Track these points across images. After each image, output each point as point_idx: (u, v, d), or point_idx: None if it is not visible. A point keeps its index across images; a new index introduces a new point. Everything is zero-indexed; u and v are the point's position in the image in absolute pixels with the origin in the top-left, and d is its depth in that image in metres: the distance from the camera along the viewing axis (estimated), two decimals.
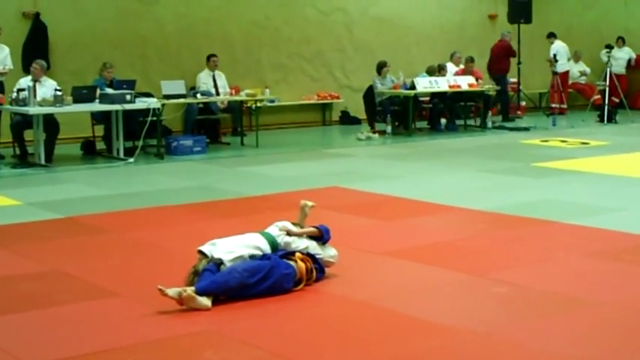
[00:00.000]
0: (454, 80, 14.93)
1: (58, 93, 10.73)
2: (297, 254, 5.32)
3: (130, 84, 11.77)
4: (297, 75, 15.77)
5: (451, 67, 15.95)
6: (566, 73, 18.23)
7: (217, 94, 13.33)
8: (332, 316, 4.91)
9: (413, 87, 14.22)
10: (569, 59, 18.53)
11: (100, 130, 12.09)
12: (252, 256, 5.23)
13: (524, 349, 4.31)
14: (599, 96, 17.32)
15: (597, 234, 6.84)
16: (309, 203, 5.78)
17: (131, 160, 11.21)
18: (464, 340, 4.45)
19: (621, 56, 19.12)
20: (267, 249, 5.31)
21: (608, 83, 16.62)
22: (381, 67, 14.64)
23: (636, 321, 4.77)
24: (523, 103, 17.89)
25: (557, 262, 6.01)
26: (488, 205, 7.97)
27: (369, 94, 14.71)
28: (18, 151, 11.29)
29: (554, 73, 17.25)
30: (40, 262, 6.05)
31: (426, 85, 14.44)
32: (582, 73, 19.19)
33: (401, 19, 16.99)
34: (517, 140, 13.55)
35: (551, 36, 18.02)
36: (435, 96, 14.93)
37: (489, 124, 15.29)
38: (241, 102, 13.48)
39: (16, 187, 9.34)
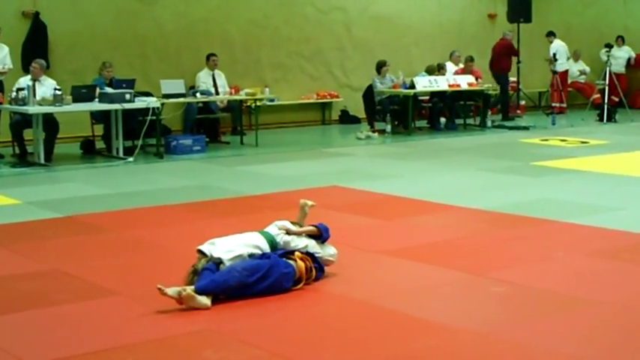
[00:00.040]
0: (453, 79, 14.93)
1: (58, 92, 10.73)
2: (297, 253, 5.32)
3: (130, 83, 11.77)
4: (296, 74, 15.77)
5: (450, 66, 15.96)
6: (566, 72, 18.25)
7: (217, 93, 13.33)
8: (331, 315, 4.92)
9: (412, 86, 14.23)
10: (568, 58, 18.54)
11: (99, 129, 12.08)
12: (251, 255, 5.23)
13: (523, 348, 4.31)
14: (598, 95, 17.34)
15: (597, 233, 6.84)
16: (309, 202, 5.78)
17: (130, 159, 11.21)
18: (463, 339, 4.45)
19: (621, 55, 19.12)
20: (267, 248, 5.31)
21: (607, 82, 16.63)
22: (380, 67, 14.64)
23: (636, 320, 4.77)
24: (523, 102, 17.89)
25: (557, 261, 6.01)
26: (488, 204, 7.97)
27: (369, 93, 14.71)
28: (17, 151, 11.29)
29: (554, 72, 17.25)
30: (39, 262, 6.05)
31: (425, 84, 14.45)
32: (582, 72, 19.20)
33: (400, 18, 16.99)
34: (517, 139, 13.55)
35: (551, 35, 18.03)
36: (434, 95, 14.93)
37: (489, 123, 15.30)
38: (241, 101, 13.48)
39: (15, 187, 9.34)
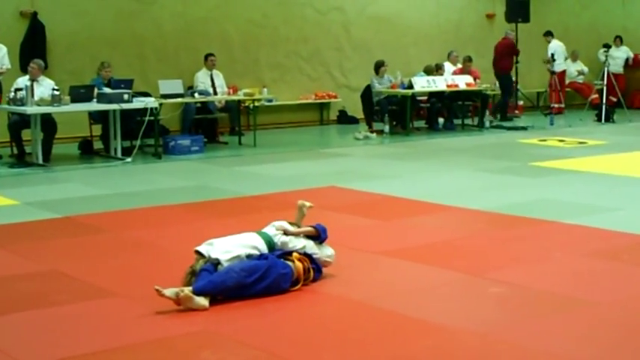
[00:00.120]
0: (452, 79, 14.94)
1: (56, 92, 10.72)
2: (295, 254, 5.32)
3: (128, 83, 11.76)
4: (294, 74, 15.77)
5: (448, 67, 15.96)
6: (563, 72, 18.27)
7: (215, 93, 13.33)
8: (329, 316, 4.91)
9: (410, 86, 14.22)
10: (566, 58, 18.56)
11: (97, 129, 12.07)
12: (249, 256, 5.23)
13: (521, 348, 4.31)
14: (596, 95, 17.34)
15: (595, 233, 6.84)
16: (307, 203, 5.78)
17: (129, 159, 11.20)
18: (461, 339, 4.45)
19: (619, 55, 19.13)
20: (265, 249, 5.31)
21: (605, 82, 16.64)
22: (378, 67, 14.65)
23: (634, 321, 4.78)
24: (521, 103, 17.89)
25: (555, 261, 6.01)
26: (486, 205, 7.97)
27: (367, 94, 14.71)
28: (15, 151, 11.28)
29: (552, 73, 17.26)
30: (37, 262, 6.04)
31: (423, 84, 14.45)
32: (580, 73, 19.20)
33: (398, 19, 17.00)
34: (515, 140, 13.56)
35: (548, 34, 18.05)
36: (432, 95, 14.93)
37: (487, 124, 15.30)
38: (239, 101, 13.48)
39: (13, 187, 9.33)
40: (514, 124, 15.55)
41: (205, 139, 12.62)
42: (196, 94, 12.64)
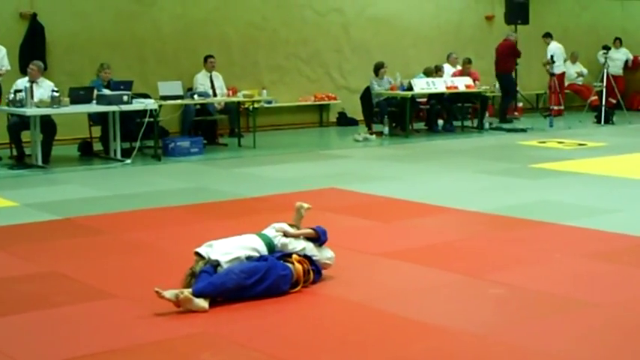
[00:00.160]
0: (451, 81, 14.94)
1: (55, 94, 10.72)
2: (294, 256, 5.32)
3: (127, 85, 11.76)
4: (294, 76, 15.77)
5: (448, 68, 15.96)
6: (563, 74, 18.28)
7: (214, 95, 13.33)
8: (329, 317, 4.91)
9: (410, 88, 14.22)
10: (565, 60, 18.57)
11: (97, 131, 12.06)
12: (249, 258, 5.23)
13: (520, 350, 4.31)
14: (596, 97, 17.35)
15: (594, 235, 6.85)
16: (305, 205, 5.78)
17: (128, 161, 11.20)
18: (461, 341, 4.45)
19: (618, 57, 19.14)
20: (264, 250, 5.31)
21: (605, 84, 16.66)
22: (378, 68, 14.65)
23: (633, 322, 4.78)
24: (520, 104, 17.90)
25: (554, 263, 6.01)
26: (486, 207, 7.98)
27: (367, 95, 14.71)
28: (15, 152, 11.28)
29: (551, 75, 17.27)
30: (37, 264, 6.04)
31: (423, 86, 14.45)
32: (579, 74, 19.21)
33: (398, 20, 17.00)
34: (514, 141, 13.56)
35: (547, 36, 18.06)
36: (432, 97, 14.94)
37: (486, 125, 15.31)
38: (238, 103, 13.47)
39: (13, 189, 9.33)
40: (513, 126, 15.55)
41: (205, 141, 12.61)
42: (196, 96, 12.64)
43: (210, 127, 13.46)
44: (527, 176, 9.91)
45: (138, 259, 6.21)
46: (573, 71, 19.09)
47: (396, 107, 14.55)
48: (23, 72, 11.81)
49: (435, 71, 15.39)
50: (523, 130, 14.99)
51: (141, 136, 11.41)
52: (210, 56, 13.65)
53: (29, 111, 10.61)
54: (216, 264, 5.12)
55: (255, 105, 13.61)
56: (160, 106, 11.78)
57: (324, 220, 6.02)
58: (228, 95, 13.40)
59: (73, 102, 10.96)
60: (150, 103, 11.52)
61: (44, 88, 11.14)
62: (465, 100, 15.35)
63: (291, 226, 5.56)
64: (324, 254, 5.53)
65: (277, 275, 5.12)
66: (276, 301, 5.05)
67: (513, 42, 16.75)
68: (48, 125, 10.99)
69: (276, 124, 15.32)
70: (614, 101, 17.19)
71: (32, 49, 12.66)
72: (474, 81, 15.19)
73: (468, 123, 15.73)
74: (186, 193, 9.02)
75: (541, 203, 8.26)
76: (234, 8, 14.91)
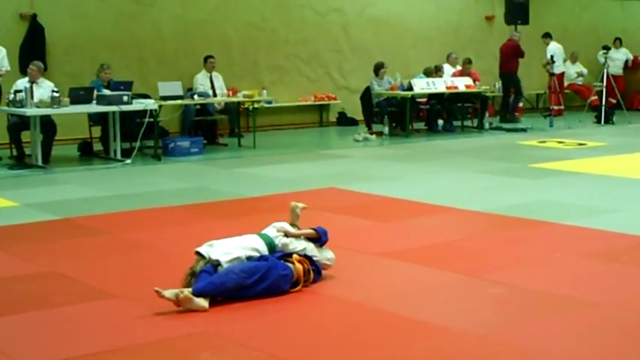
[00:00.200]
0: (451, 81, 14.95)
1: (55, 94, 10.72)
2: (295, 256, 5.32)
3: (127, 85, 11.76)
4: (294, 76, 15.77)
5: (448, 68, 15.96)
6: (562, 74, 18.29)
7: (214, 95, 13.34)
8: (329, 317, 4.91)
9: (410, 88, 14.23)
10: (565, 60, 18.58)
11: (97, 131, 12.07)
12: (249, 258, 5.23)
13: (520, 350, 4.31)
14: (596, 97, 17.36)
15: (594, 235, 6.85)
16: (300, 205, 5.80)
17: (128, 161, 11.20)
18: (461, 341, 4.45)
19: (618, 57, 19.14)
20: (265, 250, 5.31)
21: (605, 84, 16.66)
22: (378, 69, 14.65)
23: (633, 322, 4.78)
24: (520, 104, 17.89)
25: (554, 262, 6.01)
26: (486, 206, 7.98)
27: (367, 95, 14.71)
28: (15, 153, 11.28)
29: (551, 74, 17.27)
30: (37, 264, 6.04)
31: (423, 86, 14.45)
32: (579, 74, 19.22)
33: (398, 21, 17.00)
34: (514, 141, 13.56)
35: (547, 36, 18.06)
36: (432, 97, 14.94)
37: (486, 125, 15.31)
38: (238, 103, 13.48)
39: (13, 189, 9.33)
40: (514, 126, 15.56)
41: (205, 141, 12.62)
42: (196, 96, 12.65)
43: (210, 127, 13.46)
44: (527, 176, 9.91)
45: (138, 259, 6.21)
46: (573, 71, 19.10)
47: (396, 107, 14.56)
48: (23, 72, 11.82)
49: (435, 71, 15.40)
50: (523, 130, 15.00)
51: (141, 136, 11.42)
52: (210, 56, 13.65)
53: (29, 111, 10.61)
54: (216, 264, 5.12)
55: (255, 105, 13.61)
56: (160, 106, 11.78)
57: (324, 220, 6.02)
58: (228, 95, 13.41)
59: (73, 102, 10.96)
60: (150, 104, 11.53)
61: (44, 89, 11.14)
62: (464, 100, 15.36)
63: (292, 225, 5.57)
64: (324, 255, 5.53)
65: (277, 275, 5.12)
66: (277, 300, 5.05)
67: (517, 42, 16.75)
68: (48, 125, 10.99)
69: (276, 124, 15.33)
70: (614, 101, 17.19)
71: (32, 50, 12.66)
72: (474, 81, 15.19)
73: (468, 123, 15.73)
74: (186, 193, 9.02)
75: (541, 203, 8.26)
76: (234, 8, 14.91)
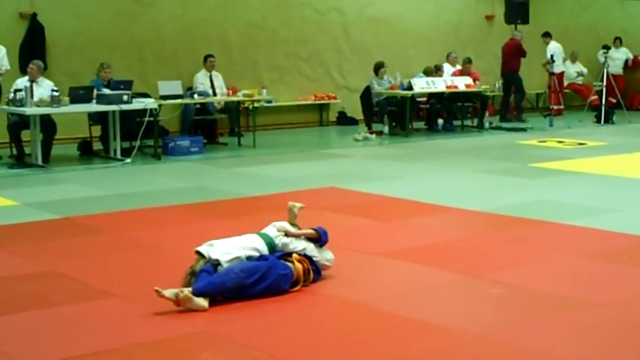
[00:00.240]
0: (451, 81, 14.95)
1: (55, 93, 10.71)
2: (294, 255, 5.32)
3: (127, 84, 11.76)
4: (294, 75, 15.77)
5: (448, 68, 15.97)
6: (562, 73, 18.29)
7: (214, 94, 13.33)
8: (329, 317, 4.91)
9: (410, 87, 14.22)
10: (564, 60, 18.58)
11: (97, 130, 12.07)
12: (249, 258, 5.23)
13: (521, 349, 4.31)
14: (596, 96, 17.36)
15: (594, 234, 6.85)
16: (297, 204, 5.80)
17: (128, 160, 11.20)
18: (461, 340, 4.45)
19: (618, 57, 19.15)
20: (265, 250, 5.31)
21: (605, 84, 16.66)
22: (378, 68, 14.65)
23: (633, 322, 4.78)
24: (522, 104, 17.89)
25: (554, 262, 6.01)
26: (486, 206, 7.97)
27: (367, 95, 14.71)
28: (15, 152, 11.28)
29: (551, 74, 17.27)
30: (36, 263, 6.04)
31: (423, 85, 14.45)
32: (579, 74, 19.22)
33: (398, 20, 17.00)
34: (514, 141, 13.56)
35: (546, 35, 18.06)
36: (432, 96, 14.94)
37: (486, 125, 15.31)
38: (238, 102, 13.47)
39: (13, 188, 9.33)
40: (513, 126, 15.56)
41: (205, 140, 12.62)
42: (196, 95, 12.64)
43: (210, 127, 13.46)
44: (527, 175, 9.91)
45: (138, 259, 6.21)
46: (573, 71, 19.10)
47: (395, 107, 14.55)
48: (23, 71, 11.81)
49: (435, 71, 15.40)
50: (523, 130, 15.00)
51: (141, 136, 11.42)
52: (210, 56, 13.65)
53: (29, 110, 10.60)
54: (216, 263, 5.12)
55: (255, 104, 13.61)
56: (160, 105, 11.78)
57: (324, 220, 6.02)
58: (228, 95, 13.40)
59: (73, 101, 10.96)
60: (150, 103, 11.52)
61: (44, 88, 11.13)
62: (464, 99, 15.36)
63: (292, 225, 5.56)
64: (324, 255, 5.52)
65: (277, 275, 5.12)
66: (276, 300, 5.05)
67: (519, 41, 16.76)
68: (48, 124, 10.98)
69: (276, 123, 15.33)
70: (614, 101, 17.19)
71: (32, 49, 12.66)
72: (474, 81, 15.18)
73: (467, 122, 15.73)
74: (186, 192, 9.02)
75: (541, 202, 8.26)
76: (234, 8, 14.91)
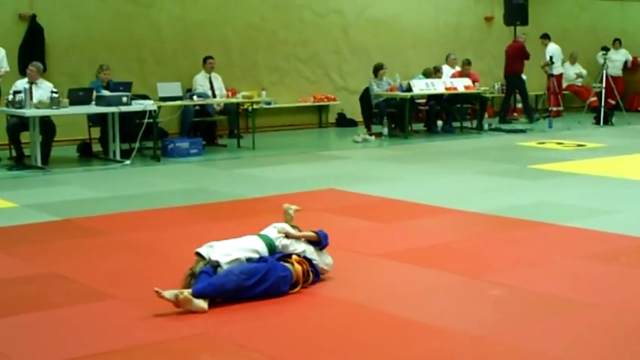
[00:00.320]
0: (450, 82, 14.95)
1: (55, 95, 10.72)
2: (294, 256, 5.32)
3: (127, 86, 11.76)
4: (293, 77, 15.77)
5: (447, 69, 15.98)
6: (561, 75, 18.30)
7: (214, 96, 13.34)
8: (329, 318, 4.91)
9: (409, 89, 14.23)
10: (563, 61, 18.59)
11: (96, 132, 12.08)
12: (249, 259, 5.23)
13: (520, 351, 4.31)
14: (595, 98, 17.36)
15: (593, 236, 6.85)
16: (293, 207, 5.82)
17: (127, 162, 11.20)
18: (460, 342, 4.45)
19: (617, 58, 19.16)
20: (265, 252, 5.30)
21: (604, 85, 16.67)
22: (377, 70, 14.65)
23: (632, 323, 4.77)
24: (519, 106, 17.91)
25: (554, 264, 6.01)
26: (485, 207, 7.98)
27: (366, 96, 14.71)
28: (14, 153, 11.28)
29: (550, 76, 17.28)
30: (36, 265, 6.04)
31: (422, 87, 14.46)
32: (578, 75, 19.22)
33: (397, 22, 17.01)
34: (513, 142, 13.57)
35: (545, 37, 18.07)
36: (431, 98, 14.95)
37: (486, 126, 15.32)
38: (238, 104, 13.48)
39: (12, 189, 9.33)
40: (513, 127, 15.57)
41: (204, 142, 12.63)
42: (195, 97, 12.64)
43: (210, 128, 13.47)
44: (526, 177, 9.91)
45: (137, 260, 6.21)
46: (572, 72, 19.11)
47: (395, 108, 14.56)
48: (22, 73, 11.82)
49: (434, 72, 15.41)
50: (522, 131, 15.00)
51: (140, 137, 11.42)
52: (210, 57, 13.65)
53: (28, 112, 10.60)
54: (216, 265, 5.12)
55: (255, 106, 13.61)
56: (159, 107, 11.78)
57: (324, 221, 6.03)
58: (228, 96, 13.40)
59: (73, 103, 10.96)
60: (149, 104, 11.53)
61: (43, 89, 11.14)
62: (464, 101, 15.36)
63: (293, 227, 5.56)
64: (323, 259, 5.52)
65: (277, 276, 5.11)
66: (276, 302, 5.05)
67: (522, 44, 16.77)
68: (47, 126, 10.99)
69: (275, 125, 15.33)
70: (613, 102, 17.20)
71: (31, 51, 12.66)
72: (474, 82, 15.19)
73: (467, 124, 15.74)
74: (185, 193, 9.02)
75: (540, 204, 8.26)
76: (234, 9, 14.92)
